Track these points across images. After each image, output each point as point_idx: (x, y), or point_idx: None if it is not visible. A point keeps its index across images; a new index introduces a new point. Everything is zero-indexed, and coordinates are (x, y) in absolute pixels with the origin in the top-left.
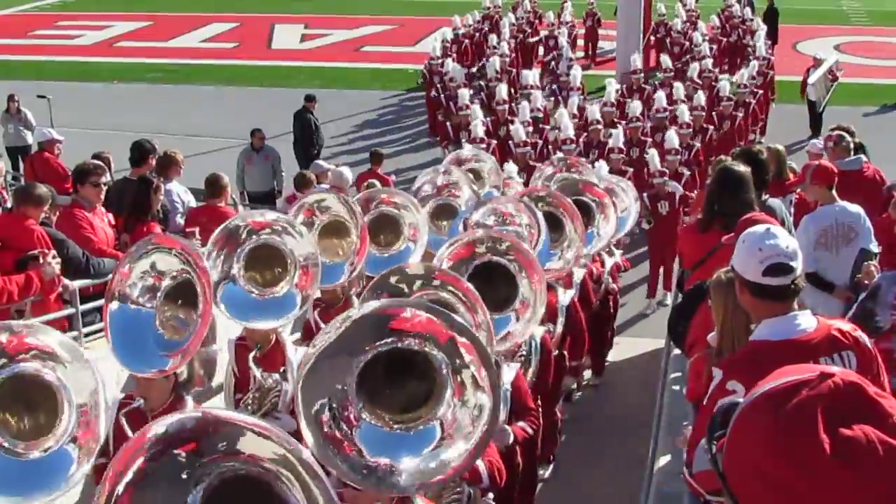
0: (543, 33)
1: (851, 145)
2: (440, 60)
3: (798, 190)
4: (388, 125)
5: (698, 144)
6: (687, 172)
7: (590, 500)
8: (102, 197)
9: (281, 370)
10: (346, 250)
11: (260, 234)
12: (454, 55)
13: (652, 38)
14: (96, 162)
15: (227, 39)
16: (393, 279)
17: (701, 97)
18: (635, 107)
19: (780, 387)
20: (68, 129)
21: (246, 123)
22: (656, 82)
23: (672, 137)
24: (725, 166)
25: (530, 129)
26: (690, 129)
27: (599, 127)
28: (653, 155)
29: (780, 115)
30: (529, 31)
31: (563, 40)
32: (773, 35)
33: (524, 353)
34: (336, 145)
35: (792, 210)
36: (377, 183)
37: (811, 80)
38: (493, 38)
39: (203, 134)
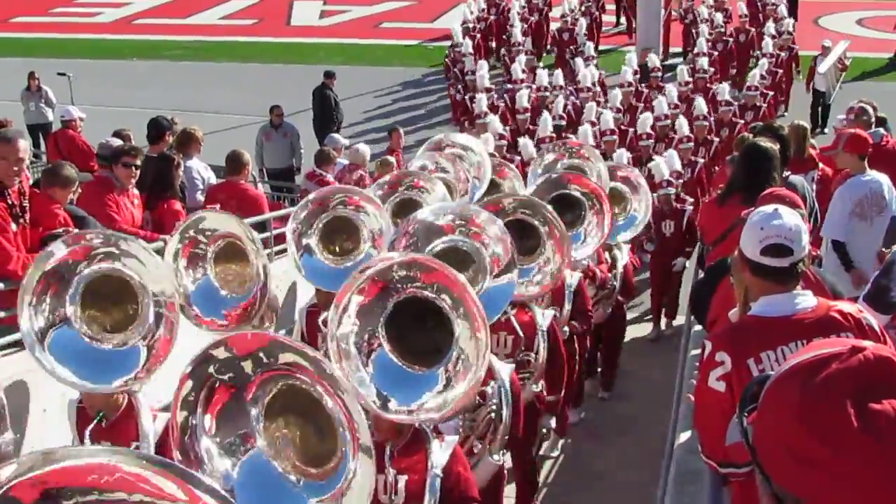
0: (555, 25)
1: (873, 118)
2: (464, 56)
3: (821, 167)
4: (408, 102)
5: (702, 161)
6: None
7: (610, 477)
8: (133, 180)
9: (132, 446)
10: (251, 277)
11: (91, 264)
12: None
13: (674, 12)
14: (132, 144)
15: (246, 16)
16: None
17: (702, 104)
18: (645, 119)
19: (809, 360)
20: (88, 107)
21: (265, 100)
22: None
23: (672, 158)
24: (753, 142)
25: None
26: (692, 143)
27: (614, 138)
28: (658, 163)
29: (801, 91)
30: (538, 17)
31: (584, 38)
32: (793, 10)
33: (494, 404)
34: (356, 121)
35: (814, 187)
36: (392, 160)
37: (822, 69)
38: (515, 33)
39: (222, 111)
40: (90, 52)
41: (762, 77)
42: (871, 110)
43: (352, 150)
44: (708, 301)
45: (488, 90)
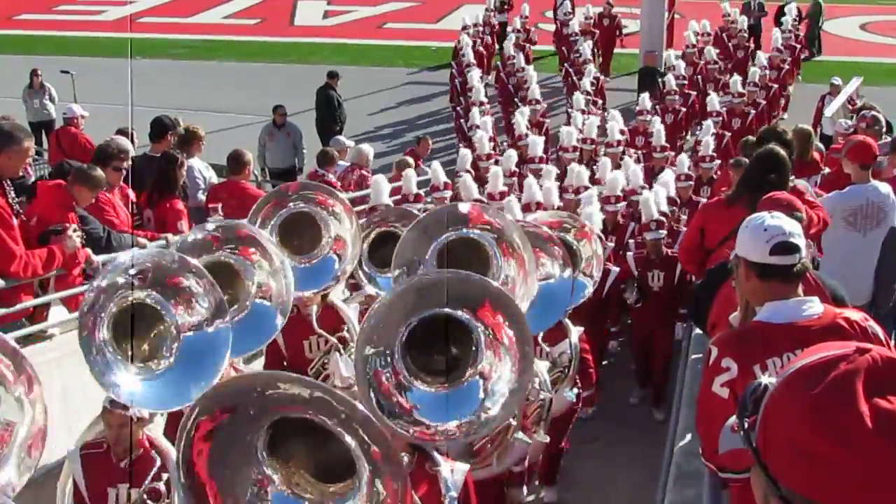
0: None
1: (884, 129)
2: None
3: (824, 171)
4: (411, 103)
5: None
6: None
7: (612, 479)
8: (121, 181)
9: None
10: None
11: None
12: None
13: (677, 15)
14: (121, 145)
15: (249, 15)
16: None
17: (684, 161)
18: (614, 179)
19: (817, 361)
20: (91, 105)
21: (268, 100)
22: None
23: (659, 194)
24: (770, 147)
25: None
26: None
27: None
28: (647, 198)
29: (801, 94)
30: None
31: (580, 101)
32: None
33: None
34: (359, 123)
35: (816, 191)
36: (410, 161)
37: (828, 112)
38: (530, 74)
39: (225, 110)
40: (93, 50)
41: (709, 158)
42: (883, 120)
43: (353, 150)
44: (708, 304)
45: (489, 156)
